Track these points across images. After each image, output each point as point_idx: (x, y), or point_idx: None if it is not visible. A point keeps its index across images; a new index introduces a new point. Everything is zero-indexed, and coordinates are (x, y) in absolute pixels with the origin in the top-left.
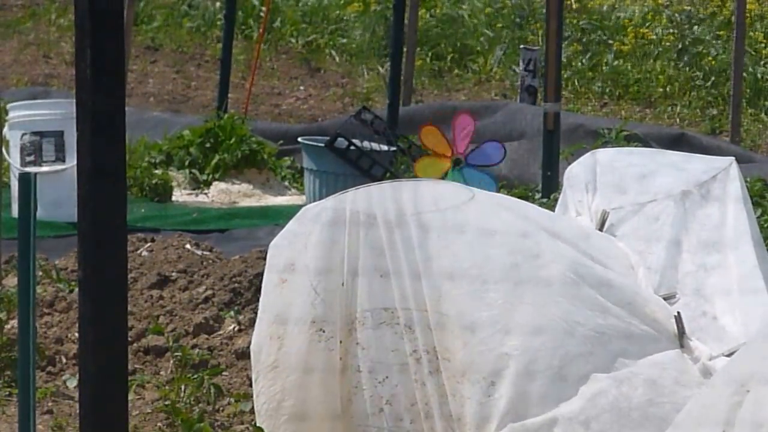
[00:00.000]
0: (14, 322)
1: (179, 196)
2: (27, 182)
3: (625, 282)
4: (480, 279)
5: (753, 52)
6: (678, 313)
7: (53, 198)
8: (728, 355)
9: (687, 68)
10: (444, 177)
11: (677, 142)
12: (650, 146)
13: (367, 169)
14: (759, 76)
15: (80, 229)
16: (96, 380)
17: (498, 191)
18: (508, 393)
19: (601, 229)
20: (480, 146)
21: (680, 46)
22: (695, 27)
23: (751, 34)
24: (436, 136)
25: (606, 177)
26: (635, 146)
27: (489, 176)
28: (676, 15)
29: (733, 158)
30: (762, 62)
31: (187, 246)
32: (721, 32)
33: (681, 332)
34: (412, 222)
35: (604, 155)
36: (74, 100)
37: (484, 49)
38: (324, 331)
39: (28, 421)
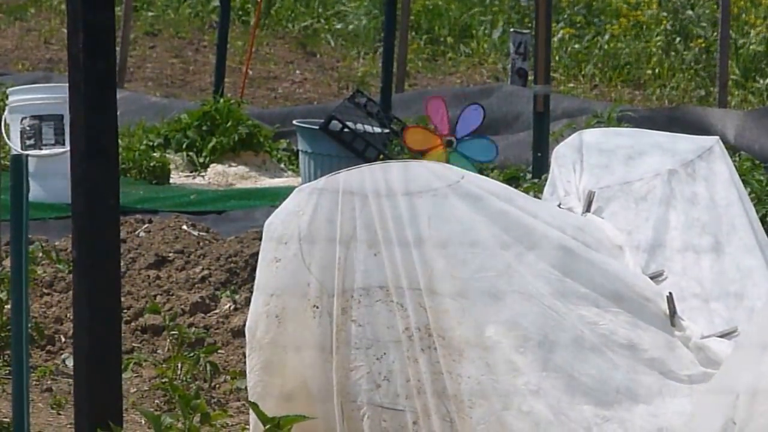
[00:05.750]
0: None
1: (177, 178)
2: (19, 163)
3: (613, 263)
4: (471, 258)
5: (742, 33)
6: (670, 293)
7: (55, 181)
8: (721, 336)
9: (676, 50)
10: (446, 159)
11: (670, 123)
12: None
13: (361, 151)
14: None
15: (74, 209)
16: (90, 357)
17: (494, 160)
18: (503, 370)
19: (588, 209)
20: (461, 115)
21: (671, 27)
22: (688, 11)
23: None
24: (422, 133)
25: (593, 157)
26: (624, 127)
27: (486, 139)
28: None
29: (718, 137)
30: (751, 43)
31: (184, 227)
32: (710, 13)
33: (672, 312)
34: (403, 202)
35: (591, 136)
36: None
37: (479, 33)
38: (318, 307)
39: (21, 397)
